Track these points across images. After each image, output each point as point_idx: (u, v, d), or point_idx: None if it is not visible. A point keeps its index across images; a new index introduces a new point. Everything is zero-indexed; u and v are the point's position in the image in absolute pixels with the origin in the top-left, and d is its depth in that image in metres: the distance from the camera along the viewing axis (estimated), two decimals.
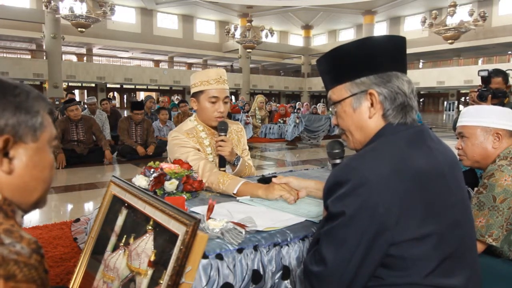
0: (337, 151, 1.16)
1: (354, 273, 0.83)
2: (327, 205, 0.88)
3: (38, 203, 0.68)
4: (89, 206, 3.76)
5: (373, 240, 0.81)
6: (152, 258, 0.77)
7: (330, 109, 1.11)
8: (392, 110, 0.92)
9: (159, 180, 1.42)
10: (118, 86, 28.97)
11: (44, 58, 20.01)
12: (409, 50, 26.79)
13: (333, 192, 0.86)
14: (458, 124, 1.54)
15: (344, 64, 0.96)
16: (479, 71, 3.04)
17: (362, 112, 0.95)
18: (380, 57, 0.94)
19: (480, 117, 1.47)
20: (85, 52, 27.53)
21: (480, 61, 26.37)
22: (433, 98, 37.10)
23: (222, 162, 1.80)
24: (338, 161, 1.17)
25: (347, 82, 0.95)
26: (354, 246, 0.82)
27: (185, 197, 1.40)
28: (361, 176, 0.82)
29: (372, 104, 0.93)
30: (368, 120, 0.94)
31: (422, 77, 26.32)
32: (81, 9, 14.56)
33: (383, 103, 0.92)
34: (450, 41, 17.94)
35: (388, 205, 0.80)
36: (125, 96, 32.06)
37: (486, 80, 2.98)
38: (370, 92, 0.92)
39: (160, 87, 30.23)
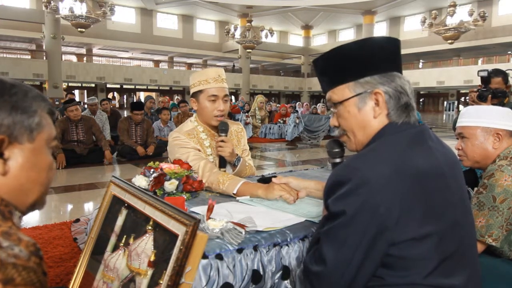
0: (337, 150, 1.15)
1: (355, 273, 0.83)
2: (327, 205, 0.88)
3: (36, 205, 0.67)
4: (89, 207, 3.76)
5: (374, 240, 0.81)
6: (152, 258, 0.77)
7: (331, 109, 1.07)
8: (397, 110, 0.92)
9: (159, 180, 1.42)
10: (118, 86, 28.97)
11: (44, 58, 20.02)
12: (409, 50, 27.04)
13: (334, 192, 0.86)
14: (458, 124, 1.54)
15: (346, 63, 0.95)
16: (478, 71, 3.04)
17: (367, 112, 0.94)
18: (382, 57, 0.94)
19: (480, 117, 1.46)
20: (85, 52, 27.53)
21: (480, 61, 26.39)
22: (433, 98, 37.10)
23: (222, 162, 1.80)
24: (338, 160, 1.16)
25: (350, 82, 0.94)
26: (354, 246, 0.82)
27: (185, 197, 1.40)
28: (362, 176, 0.82)
29: (377, 104, 0.93)
30: (373, 120, 0.94)
31: (422, 77, 26.35)
32: (81, 9, 14.56)
33: (388, 103, 0.92)
34: (450, 41, 17.96)
35: (389, 205, 0.80)
36: (125, 96, 32.08)
37: (485, 80, 2.98)
38: (377, 91, 0.92)
39: (160, 87, 30.24)
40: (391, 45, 0.96)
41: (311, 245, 0.96)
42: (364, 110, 0.94)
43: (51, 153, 0.70)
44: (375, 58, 0.93)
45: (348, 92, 0.95)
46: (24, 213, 0.65)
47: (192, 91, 1.85)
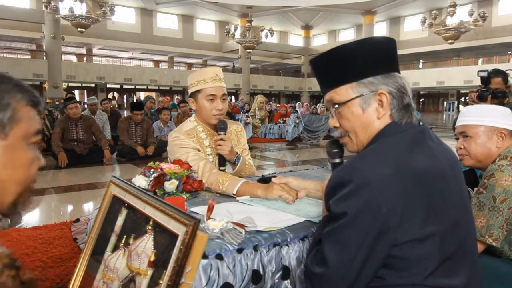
0: (336, 150, 1.14)
1: (357, 274, 0.82)
2: (329, 206, 0.88)
3: (16, 206, 0.62)
4: (89, 206, 3.76)
5: (376, 241, 0.81)
6: (152, 258, 0.77)
7: (333, 110, 1.03)
8: (400, 110, 0.92)
9: (159, 180, 1.42)
10: (118, 86, 28.97)
11: (44, 58, 20.02)
12: (409, 50, 27.07)
13: (335, 193, 0.86)
14: (460, 123, 1.52)
15: (349, 63, 0.94)
16: (478, 71, 3.04)
17: (371, 113, 0.93)
18: (383, 57, 0.94)
19: (484, 116, 1.46)
20: (85, 52, 27.54)
21: (480, 61, 26.40)
22: (433, 98, 37.09)
23: (222, 161, 1.80)
24: (337, 160, 1.14)
25: (353, 82, 0.93)
26: (356, 247, 0.82)
27: (185, 197, 1.40)
28: (364, 177, 0.82)
29: (381, 105, 0.92)
30: (376, 120, 0.93)
31: (422, 77, 26.35)
32: (81, 9, 14.56)
33: (392, 103, 0.92)
34: (450, 41, 17.96)
35: (391, 205, 0.80)
36: (125, 97, 32.07)
37: (485, 80, 2.98)
38: (381, 92, 0.91)
39: (160, 87, 30.23)
40: (390, 45, 0.96)
41: (312, 246, 0.96)
42: (368, 111, 0.93)
43: (35, 148, 0.64)
44: (377, 58, 0.93)
45: (352, 92, 0.94)
46: (5, 214, 0.61)
47: (190, 91, 1.86)
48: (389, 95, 0.91)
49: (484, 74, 2.98)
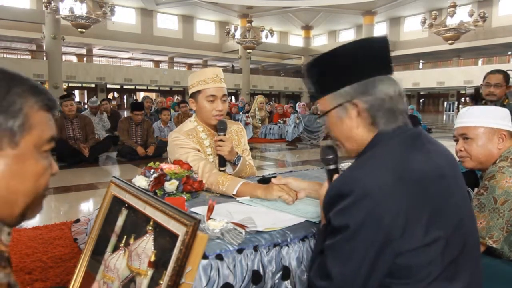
0: (330, 156, 1.10)
1: (362, 286, 0.81)
2: (329, 218, 0.87)
3: (25, 216, 0.59)
4: (89, 207, 3.76)
5: (380, 252, 0.80)
6: (152, 259, 0.77)
7: (321, 118, 1.05)
8: (382, 117, 0.90)
9: (159, 180, 1.42)
10: (118, 86, 28.98)
11: (44, 58, 20.01)
12: (409, 51, 27.08)
13: (335, 204, 0.84)
14: (459, 125, 1.51)
15: (326, 74, 0.95)
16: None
17: (348, 122, 0.93)
18: (361, 63, 0.91)
19: (484, 117, 1.45)
20: (85, 53, 27.54)
21: (480, 62, 26.40)
22: (433, 99, 37.10)
23: (222, 161, 1.80)
24: (332, 166, 1.11)
25: (332, 92, 0.94)
26: (360, 259, 0.80)
27: (185, 197, 1.40)
28: (364, 187, 0.80)
29: (358, 114, 0.91)
30: (357, 130, 0.93)
31: (422, 77, 26.38)
32: (81, 9, 14.54)
33: (370, 112, 0.90)
34: (450, 41, 17.95)
35: (394, 214, 0.79)
36: (125, 97, 32.08)
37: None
38: (354, 102, 0.91)
39: (160, 88, 30.25)
40: (374, 46, 0.93)
41: (313, 258, 0.95)
42: (346, 121, 0.93)
43: (48, 156, 0.60)
44: (353, 66, 0.91)
45: (329, 103, 0.95)
46: (14, 225, 0.59)
47: (190, 91, 1.86)
48: (365, 104, 0.90)
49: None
